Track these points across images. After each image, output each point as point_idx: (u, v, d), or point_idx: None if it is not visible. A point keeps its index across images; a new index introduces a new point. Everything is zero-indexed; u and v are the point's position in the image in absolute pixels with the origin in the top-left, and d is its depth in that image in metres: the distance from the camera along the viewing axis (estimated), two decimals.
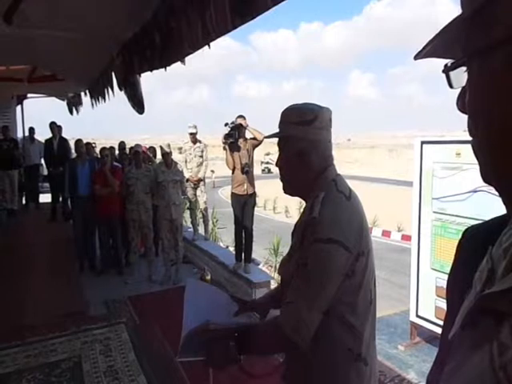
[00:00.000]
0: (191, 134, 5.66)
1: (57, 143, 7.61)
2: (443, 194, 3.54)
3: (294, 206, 16.30)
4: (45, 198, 8.55)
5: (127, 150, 6.11)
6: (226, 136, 4.50)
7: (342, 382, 1.07)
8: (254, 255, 5.41)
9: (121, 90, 4.35)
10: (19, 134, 9.52)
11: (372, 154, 76.52)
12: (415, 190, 3.81)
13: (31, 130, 8.36)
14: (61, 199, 7.58)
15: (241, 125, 4.49)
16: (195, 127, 5.64)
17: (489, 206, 2.94)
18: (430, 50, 0.41)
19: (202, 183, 5.82)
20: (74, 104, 8.20)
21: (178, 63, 2.86)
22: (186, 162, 5.74)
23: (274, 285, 4.48)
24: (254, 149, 4.62)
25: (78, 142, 5.29)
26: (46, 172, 8.48)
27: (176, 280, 4.75)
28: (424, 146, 3.72)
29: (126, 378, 2.88)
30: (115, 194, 4.84)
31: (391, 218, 14.76)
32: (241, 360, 1.07)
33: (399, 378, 3.15)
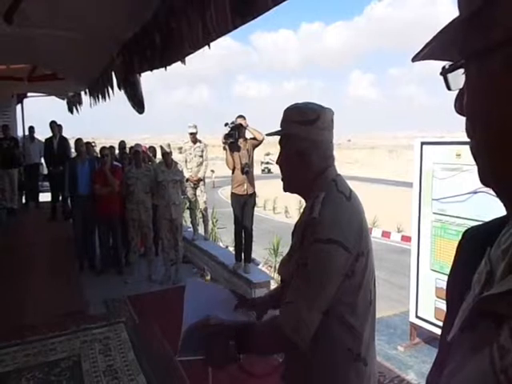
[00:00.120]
0: (191, 133, 5.66)
1: (57, 142, 7.61)
2: (443, 194, 3.54)
3: (294, 206, 16.30)
4: (45, 197, 8.55)
5: (127, 150, 6.11)
6: (226, 136, 4.50)
7: (342, 381, 1.07)
8: (253, 255, 5.41)
9: (120, 89, 4.35)
10: (19, 133, 9.52)
11: (372, 154, 76.52)
12: (415, 190, 3.81)
13: (31, 128, 8.36)
14: (61, 198, 7.58)
15: (241, 125, 4.49)
16: (195, 127, 5.64)
17: (489, 207, 2.94)
18: (427, 53, 0.41)
19: (201, 183, 5.82)
20: (74, 103, 8.20)
21: (179, 63, 2.86)
22: (185, 161, 5.74)
23: (273, 285, 4.48)
24: (253, 149, 4.62)
25: (78, 141, 5.29)
26: (46, 171, 8.48)
27: (176, 280, 4.75)
28: (424, 146, 3.72)
29: (125, 378, 2.88)
30: (115, 193, 4.84)
31: (391, 218, 14.76)
32: (240, 359, 1.08)
33: (399, 379, 3.15)
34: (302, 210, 1.19)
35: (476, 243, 0.49)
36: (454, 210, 3.45)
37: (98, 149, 6.97)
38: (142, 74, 3.93)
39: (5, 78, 6.68)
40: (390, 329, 4.44)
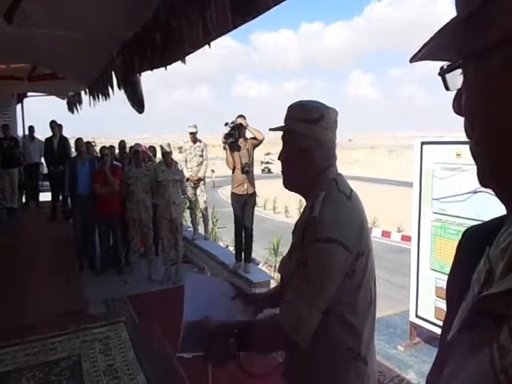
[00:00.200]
0: (191, 133, 5.66)
1: (57, 142, 7.61)
2: (443, 194, 3.54)
3: (294, 206, 16.31)
4: (45, 196, 8.55)
5: (127, 149, 6.11)
6: (226, 136, 4.50)
7: (342, 381, 1.07)
8: (253, 255, 5.41)
9: (120, 89, 4.35)
10: (19, 133, 9.52)
11: (372, 154, 76.53)
12: (415, 190, 3.81)
13: (31, 128, 8.36)
14: (61, 198, 7.59)
15: (241, 124, 4.49)
16: (195, 127, 5.64)
17: (489, 206, 2.94)
18: (425, 53, 0.40)
19: (201, 183, 5.82)
20: (74, 103, 8.20)
21: (179, 62, 2.86)
22: (186, 161, 5.74)
23: (273, 284, 4.48)
24: (254, 148, 4.62)
25: (78, 140, 5.28)
26: (46, 171, 8.49)
27: (176, 279, 4.75)
28: (424, 146, 3.72)
29: (125, 377, 2.88)
30: (115, 193, 4.84)
31: (391, 218, 14.76)
32: (240, 356, 1.08)
33: (398, 379, 3.15)
34: (302, 210, 1.19)
35: (475, 243, 0.49)
36: (454, 210, 3.45)
37: (98, 148, 6.97)
38: (142, 74, 3.93)
39: (5, 77, 6.68)
40: (390, 328, 4.44)
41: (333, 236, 0.99)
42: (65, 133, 8.04)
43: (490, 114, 0.36)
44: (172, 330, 1.24)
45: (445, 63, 0.41)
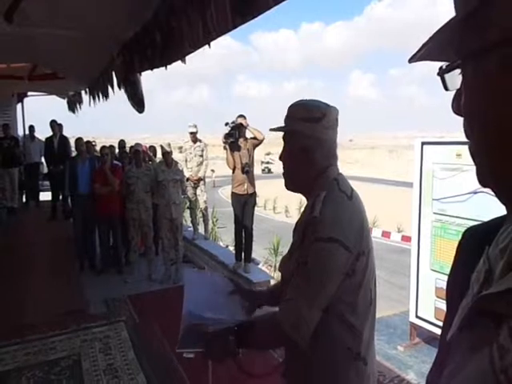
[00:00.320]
0: (191, 133, 5.66)
1: (57, 141, 7.61)
2: (443, 194, 3.54)
3: (294, 206, 16.32)
4: (45, 196, 8.55)
5: (127, 149, 6.11)
6: (227, 135, 4.50)
7: (342, 381, 1.07)
8: (253, 255, 5.41)
9: (120, 88, 4.35)
10: (20, 132, 9.53)
11: (372, 154, 76.54)
12: (415, 190, 3.81)
13: (31, 128, 8.36)
14: (61, 197, 7.59)
15: (241, 124, 4.50)
16: (195, 126, 5.65)
17: (489, 207, 2.94)
18: (424, 53, 0.40)
19: (202, 182, 5.83)
20: (74, 102, 8.20)
21: (179, 62, 2.87)
22: (186, 161, 5.74)
23: None
24: (254, 148, 4.62)
25: (79, 140, 5.28)
26: (46, 170, 8.49)
27: (176, 279, 4.75)
28: (424, 146, 3.72)
29: (125, 377, 2.88)
30: (115, 192, 4.84)
31: (391, 218, 14.77)
32: (239, 353, 1.08)
33: (398, 379, 3.15)
34: (302, 210, 1.19)
35: (475, 243, 0.49)
36: (454, 210, 3.45)
37: (98, 148, 6.96)
38: (143, 73, 3.93)
39: (5, 76, 6.68)
40: (390, 328, 4.44)
41: (333, 236, 0.99)
42: (65, 132, 8.05)
43: (488, 114, 0.36)
44: (172, 330, 1.24)
45: (444, 63, 0.41)
